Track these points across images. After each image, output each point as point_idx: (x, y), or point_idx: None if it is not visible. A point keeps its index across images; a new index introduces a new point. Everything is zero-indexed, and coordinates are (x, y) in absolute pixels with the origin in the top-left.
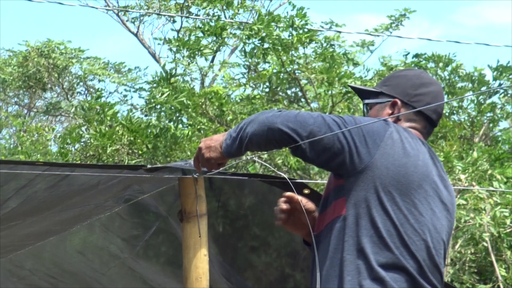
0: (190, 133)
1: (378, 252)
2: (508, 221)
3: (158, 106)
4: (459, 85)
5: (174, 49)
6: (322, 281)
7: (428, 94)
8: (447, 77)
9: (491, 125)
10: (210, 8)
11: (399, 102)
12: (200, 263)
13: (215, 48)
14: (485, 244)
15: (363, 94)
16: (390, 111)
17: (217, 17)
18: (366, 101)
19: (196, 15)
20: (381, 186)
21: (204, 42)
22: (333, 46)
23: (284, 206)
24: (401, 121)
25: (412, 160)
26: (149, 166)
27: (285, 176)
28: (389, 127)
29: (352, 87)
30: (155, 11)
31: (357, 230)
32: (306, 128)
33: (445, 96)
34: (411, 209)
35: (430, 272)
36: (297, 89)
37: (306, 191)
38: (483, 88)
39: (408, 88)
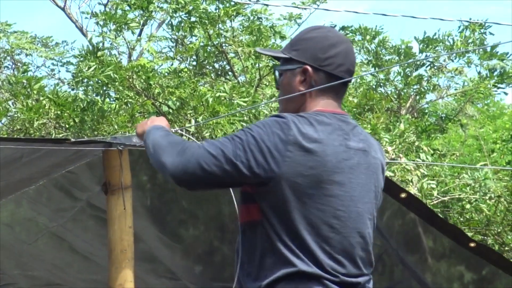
0: (117, 106)
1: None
2: (435, 193)
3: (85, 80)
4: (386, 57)
5: (101, 23)
6: (244, 275)
7: (338, 55)
8: (374, 50)
9: (418, 97)
10: None
11: (309, 69)
12: (125, 236)
13: (142, 22)
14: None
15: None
16: (302, 78)
17: None
18: (277, 68)
19: None
20: (294, 194)
21: (131, 15)
22: (260, 20)
23: None
24: (315, 92)
25: (320, 156)
26: (73, 139)
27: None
28: (290, 131)
29: (261, 52)
30: None
31: (276, 235)
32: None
33: (368, 67)
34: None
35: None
36: (225, 63)
37: None
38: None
39: (318, 51)
